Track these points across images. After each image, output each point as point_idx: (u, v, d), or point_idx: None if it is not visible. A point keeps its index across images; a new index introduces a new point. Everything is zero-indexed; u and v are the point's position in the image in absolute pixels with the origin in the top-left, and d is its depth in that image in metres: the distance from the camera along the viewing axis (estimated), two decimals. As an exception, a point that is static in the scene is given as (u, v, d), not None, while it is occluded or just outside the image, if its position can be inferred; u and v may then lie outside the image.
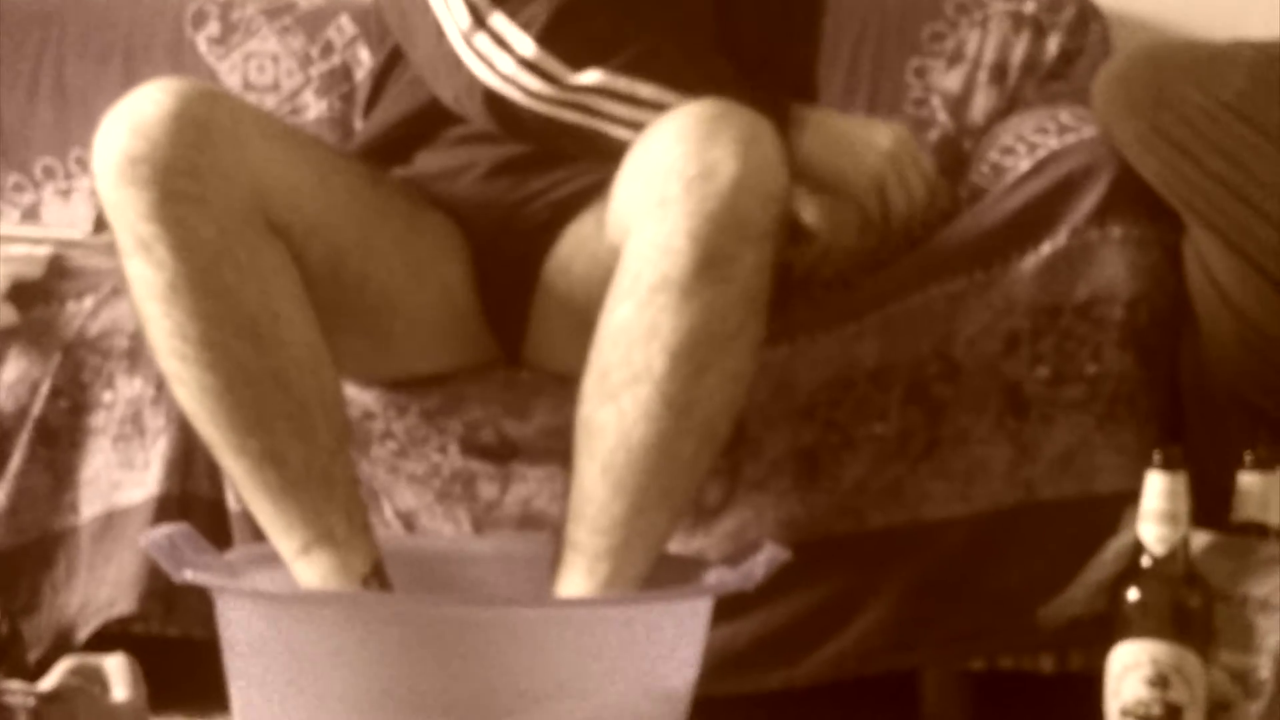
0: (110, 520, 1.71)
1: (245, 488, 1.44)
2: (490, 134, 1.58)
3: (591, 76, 1.49)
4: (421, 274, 1.58)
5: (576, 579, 1.41)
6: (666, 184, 1.36)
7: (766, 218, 1.37)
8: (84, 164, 2.25)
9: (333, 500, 1.43)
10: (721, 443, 1.43)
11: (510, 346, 1.64)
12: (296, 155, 1.50)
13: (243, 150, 1.43)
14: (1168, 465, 1.34)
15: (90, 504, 1.73)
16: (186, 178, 1.39)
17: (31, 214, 2.23)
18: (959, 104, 2.13)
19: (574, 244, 1.58)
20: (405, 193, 1.62)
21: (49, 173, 2.26)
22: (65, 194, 2.24)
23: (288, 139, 1.51)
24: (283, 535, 1.43)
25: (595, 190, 1.56)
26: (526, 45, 1.50)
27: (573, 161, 1.58)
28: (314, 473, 1.42)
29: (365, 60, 2.18)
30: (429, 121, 1.63)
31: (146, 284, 1.41)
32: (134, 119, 1.39)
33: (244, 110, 1.47)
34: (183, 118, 1.39)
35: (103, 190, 1.41)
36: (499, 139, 1.58)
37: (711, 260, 1.35)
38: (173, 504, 1.69)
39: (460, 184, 1.62)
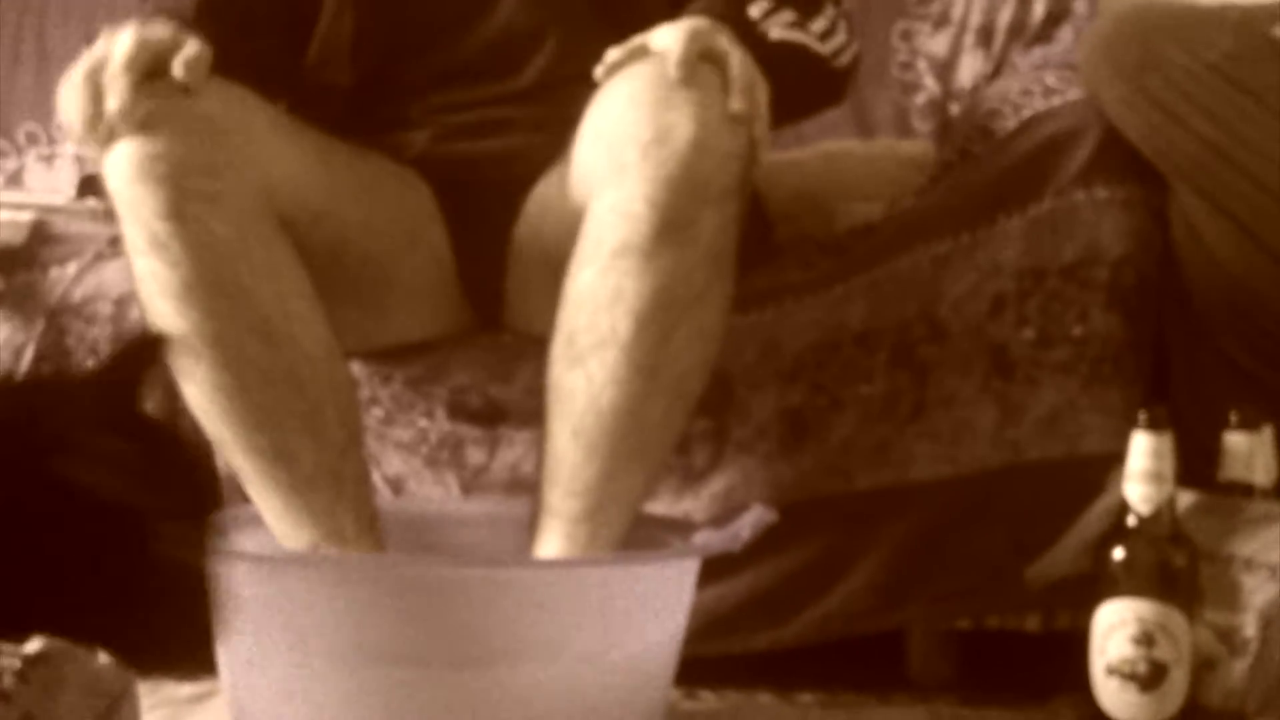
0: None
1: (255, 485, 1.44)
2: (450, 83, 1.57)
3: None
4: (413, 242, 1.58)
5: (554, 542, 1.41)
6: (623, 149, 1.36)
7: (726, 177, 1.37)
8: (66, 130, 2.25)
9: (343, 499, 1.43)
10: (694, 400, 1.44)
11: (489, 311, 1.64)
12: (298, 144, 1.49)
13: (253, 145, 1.42)
14: (1153, 425, 1.34)
15: (75, 469, 1.73)
16: (203, 175, 1.38)
17: (15, 180, 2.22)
18: (945, 68, 2.13)
19: (541, 206, 1.58)
20: (387, 159, 1.61)
21: (32, 138, 2.25)
22: (48, 159, 2.23)
23: (289, 127, 1.50)
24: (291, 532, 1.43)
25: (553, 150, 1.55)
26: None
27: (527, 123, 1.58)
28: (325, 471, 1.42)
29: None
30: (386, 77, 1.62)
31: (160, 281, 1.40)
32: (149, 116, 1.38)
33: (251, 103, 1.46)
34: (197, 116, 1.38)
35: (114, 187, 1.40)
36: (458, 90, 1.57)
37: (671, 224, 1.36)
38: (157, 469, 1.69)
39: (416, 144, 1.61)
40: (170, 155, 1.37)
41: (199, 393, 1.42)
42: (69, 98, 1.40)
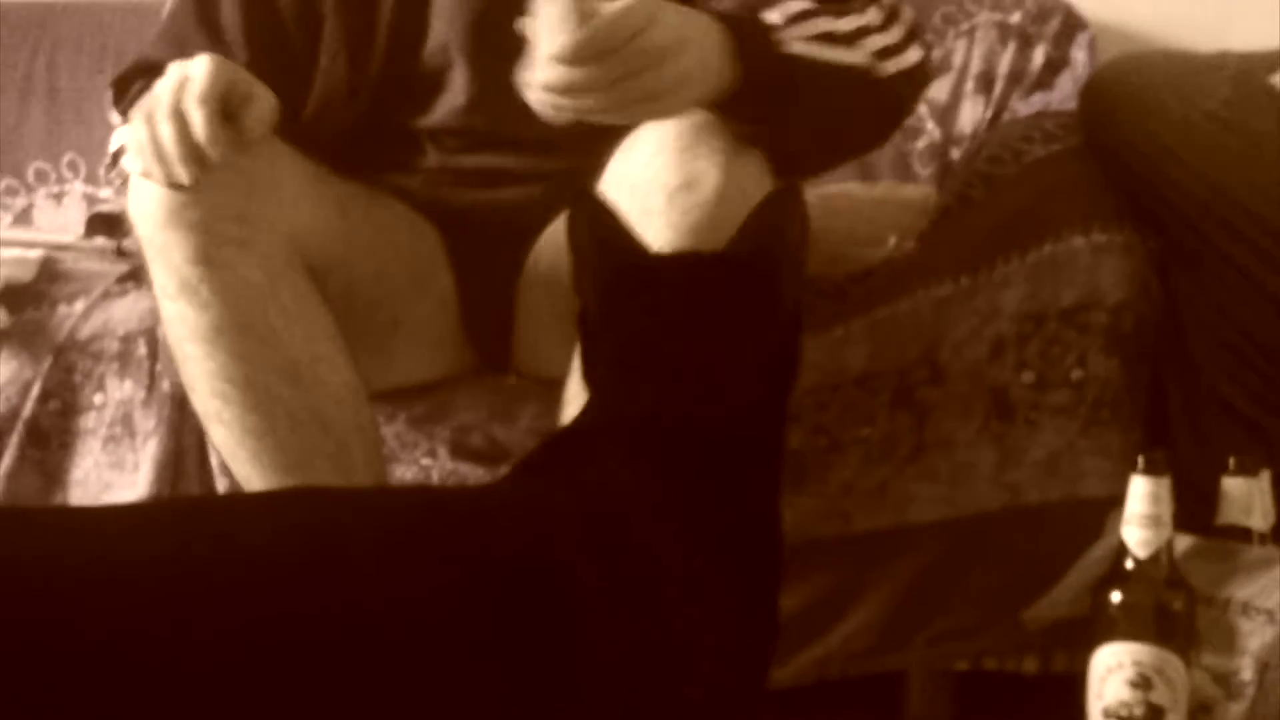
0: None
1: None
2: (455, 133, 1.57)
3: None
4: (421, 287, 1.59)
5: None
6: (649, 196, 1.35)
7: None
8: (76, 168, 2.26)
9: None
10: None
11: (494, 354, 1.64)
12: (320, 192, 1.49)
13: (281, 193, 1.43)
14: (1151, 469, 1.35)
15: (80, 505, 1.73)
16: (233, 222, 1.38)
17: (24, 217, 2.24)
18: (946, 113, 2.15)
19: (554, 251, 1.54)
20: (397, 203, 1.61)
21: (41, 176, 2.26)
22: (57, 198, 2.25)
23: (312, 174, 1.50)
24: None
25: (562, 199, 1.55)
26: None
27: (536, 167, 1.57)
28: None
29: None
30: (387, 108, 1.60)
31: (189, 326, 1.40)
32: None
33: (279, 151, 1.45)
34: (227, 164, 1.37)
35: (145, 233, 1.40)
36: (464, 139, 1.57)
37: None
38: (163, 505, 1.70)
39: (423, 186, 1.60)
40: (201, 201, 1.37)
41: (228, 435, 1.42)
42: (139, 129, 1.34)
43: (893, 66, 1.44)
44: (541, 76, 1.25)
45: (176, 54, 1.43)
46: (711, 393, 1.12)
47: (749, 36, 1.36)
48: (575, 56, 1.23)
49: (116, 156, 1.50)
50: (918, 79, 1.49)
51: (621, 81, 1.24)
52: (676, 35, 1.27)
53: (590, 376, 1.18)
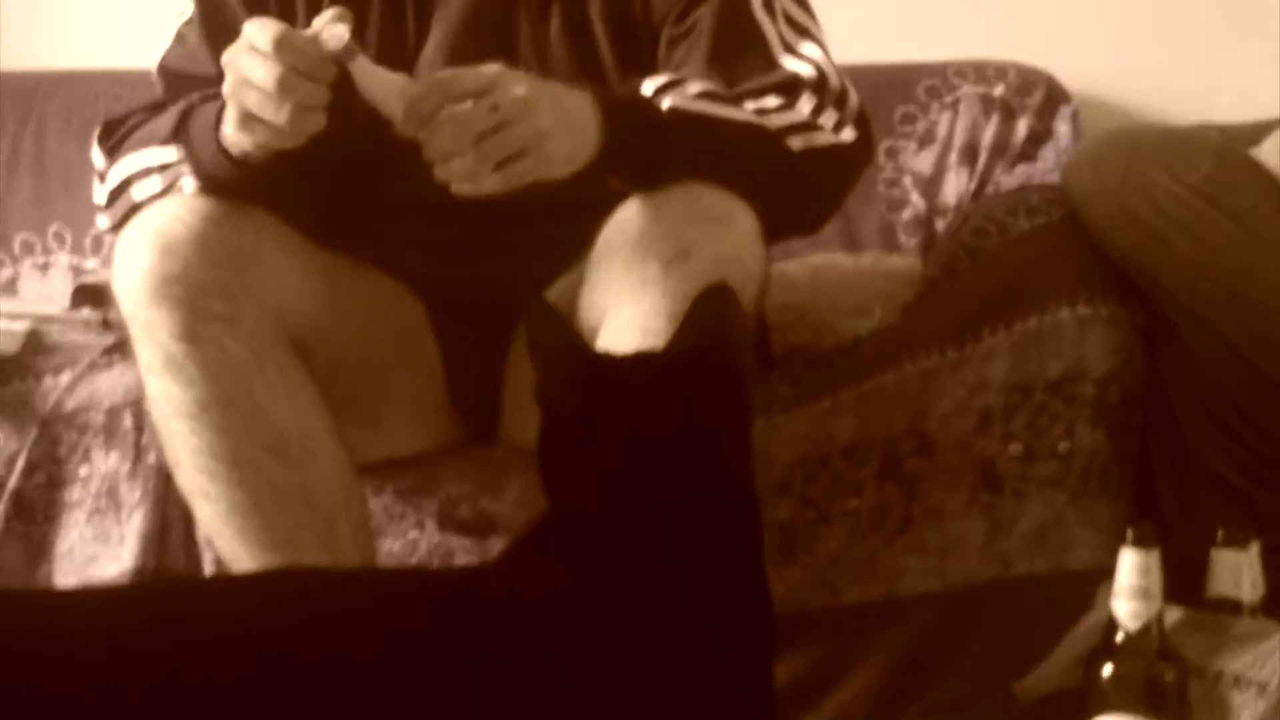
0: (84, 595, 1.71)
1: None
2: (439, 205, 1.58)
3: None
4: (408, 359, 1.59)
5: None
6: (645, 265, 1.36)
7: (745, 297, 1.35)
8: (62, 239, 2.26)
9: None
10: None
11: (481, 425, 1.64)
12: (308, 266, 1.49)
13: (267, 268, 1.42)
14: (1140, 541, 1.35)
15: (65, 578, 1.72)
16: (219, 298, 1.38)
17: (9, 288, 2.24)
18: (930, 184, 2.16)
19: None
20: (383, 275, 1.60)
21: (27, 247, 2.26)
22: (43, 269, 2.25)
23: (299, 249, 1.50)
24: None
25: (549, 271, 1.56)
26: None
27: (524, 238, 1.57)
28: None
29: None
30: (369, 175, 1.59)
31: (174, 402, 1.40)
32: (162, 239, 1.38)
33: (264, 224, 1.45)
34: (213, 239, 1.38)
35: (129, 309, 1.40)
36: (447, 211, 1.57)
37: None
38: (147, 579, 1.69)
39: (409, 258, 1.59)
40: (186, 277, 1.37)
41: (214, 513, 1.41)
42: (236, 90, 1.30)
43: (799, 143, 1.44)
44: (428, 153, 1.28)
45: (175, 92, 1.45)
46: (693, 475, 1.13)
47: (618, 97, 1.39)
48: (416, 111, 1.27)
49: (116, 193, 1.49)
50: (835, 159, 1.47)
51: (482, 141, 1.27)
52: (525, 94, 1.29)
53: (555, 474, 1.19)
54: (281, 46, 1.28)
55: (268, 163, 1.38)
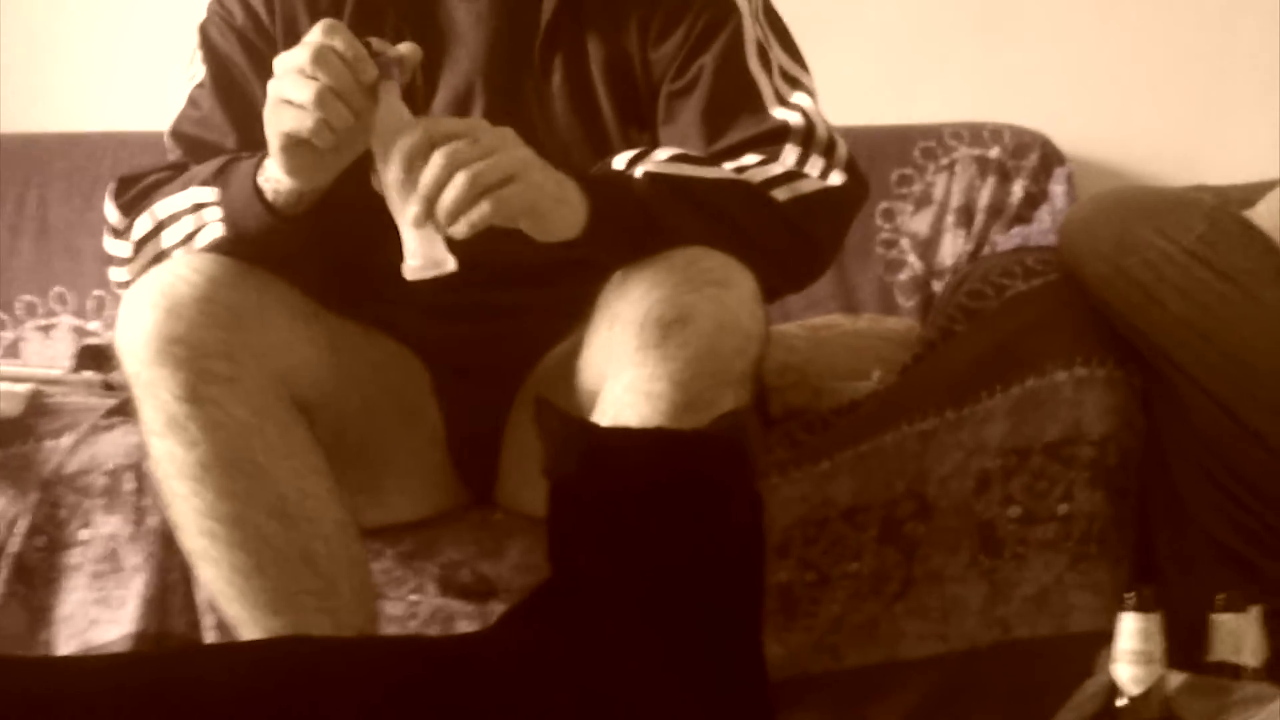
0: (85, 658, 1.70)
1: None
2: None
3: None
4: (411, 423, 1.59)
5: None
6: (646, 329, 1.36)
7: (745, 361, 1.37)
8: (65, 301, 2.27)
9: None
10: None
11: (481, 488, 1.64)
12: (311, 329, 1.49)
13: (269, 331, 1.43)
14: (1141, 606, 1.35)
15: (66, 642, 1.71)
16: (221, 359, 1.38)
17: (12, 350, 2.24)
18: (927, 246, 2.17)
19: (546, 386, 1.56)
20: (387, 338, 1.61)
21: (30, 309, 2.27)
22: (46, 330, 2.25)
23: (303, 311, 1.50)
24: None
25: (552, 332, 1.57)
26: None
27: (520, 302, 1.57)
28: None
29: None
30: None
31: (176, 463, 1.40)
32: (166, 299, 1.38)
33: (268, 286, 1.46)
34: (217, 300, 1.38)
35: (132, 369, 1.40)
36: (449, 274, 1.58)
37: (692, 405, 1.34)
38: (149, 642, 1.68)
39: (411, 321, 1.59)
40: (189, 339, 1.37)
41: (216, 575, 1.41)
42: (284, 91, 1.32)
43: (784, 193, 1.45)
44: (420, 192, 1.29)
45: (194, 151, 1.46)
46: (693, 548, 1.14)
47: (594, 174, 1.41)
48: (418, 148, 1.28)
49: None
50: (825, 204, 1.47)
51: (468, 169, 1.28)
52: (504, 130, 1.32)
53: (559, 543, 1.19)
54: (322, 61, 1.30)
55: (298, 210, 1.40)
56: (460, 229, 1.30)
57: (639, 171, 1.41)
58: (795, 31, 1.57)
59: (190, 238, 1.47)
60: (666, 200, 1.40)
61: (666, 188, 1.41)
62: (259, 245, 1.44)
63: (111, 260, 1.53)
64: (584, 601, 1.12)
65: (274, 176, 1.40)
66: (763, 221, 1.44)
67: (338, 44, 1.31)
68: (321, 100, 1.30)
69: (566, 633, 1.09)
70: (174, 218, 1.48)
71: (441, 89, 1.54)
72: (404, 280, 1.58)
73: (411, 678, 1.07)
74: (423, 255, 1.31)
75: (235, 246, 1.44)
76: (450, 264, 1.32)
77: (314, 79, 1.30)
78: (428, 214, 1.29)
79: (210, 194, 1.46)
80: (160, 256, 1.47)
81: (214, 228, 1.45)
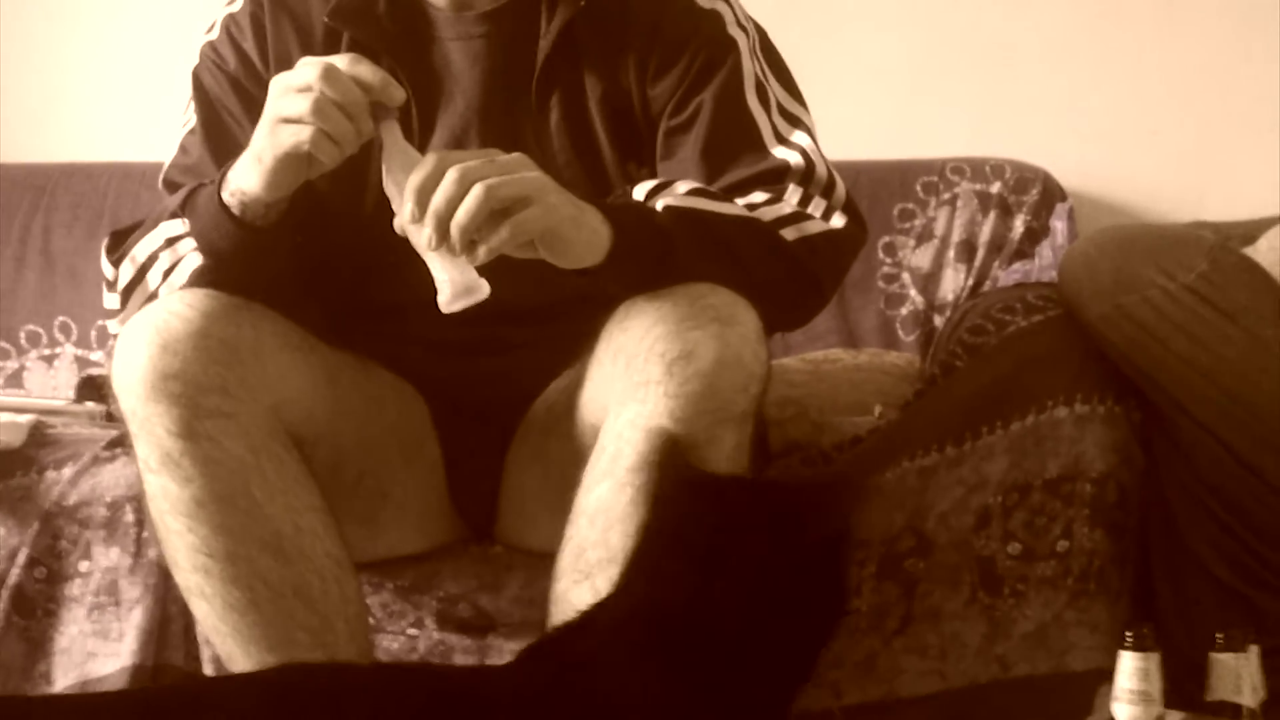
0: (83, 691, 1.70)
1: None
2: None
3: None
4: (409, 458, 1.59)
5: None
6: (647, 366, 1.36)
7: (746, 398, 1.37)
8: (68, 331, 2.28)
9: None
10: None
11: (480, 523, 1.63)
12: (308, 364, 1.49)
13: (265, 365, 1.42)
14: (1140, 645, 1.35)
15: (64, 674, 1.71)
16: (217, 394, 1.38)
17: (15, 379, 2.24)
18: (928, 281, 2.18)
19: (545, 422, 1.57)
20: (386, 372, 1.60)
21: (33, 339, 2.27)
22: (49, 360, 2.26)
23: (300, 346, 1.50)
24: None
25: (551, 368, 1.56)
26: None
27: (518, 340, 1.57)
28: None
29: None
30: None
31: (171, 499, 1.39)
32: (162, 335, 1.38)
33: (262, 321, 1.45)
34: (211, 335, 1.38)
35: (128, 404, 1.39)
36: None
37: (692, 442, 1.34)
38: (146, 675, 1.68)
39: (411, 355, 1.59)
40: (184, 375, 1.37)
41: (210, 611, 1.41)
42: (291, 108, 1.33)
43: (792, 234, 1.46)
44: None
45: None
46: (714, 596, 1.14)
47: (616, 203, 1.41)
48: (432, 175, 1.28)
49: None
50: (829, 246, 1.48)
51: (484, 183, 1.28)
52: (517, 156, 1.32)
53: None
54: (329, 77, 1.31)
55: (267, 225, 1.40)
56: (480, 255, 1.29)
57: (660, 204, 1.41)
58: (799, 66, 1.58)
59: (169, 273, 1.47)
60: (687, 234, 1.40)
61: (687, 221, 1.41)
62: (239, 265, 1.43)
63: (110, 314, 1.53)
64: (602, 646, 1.12)
65: (239, 188, 1.39)
66: (772, 261, 1.45)
67: (352, 68, 1.31)
68: (319, 110, 1.30)
69: (580, 674, 1.09)
70: (152, 258, 1.48)
71: (438, 130, 1.55)
72: (405, 315, 1.59)
73: (417, 708, 1.06)
74: (453, 284, 1.30)
75: (217, 272, 1.44)
76: (484, 289, 1.30)
77: (310, 90, 1.30)
78: (442, 234, 1.28)
79: (179, 226, 1.46)
80: (150, 298, 1.47)
81: (191, 258, 1.46)
